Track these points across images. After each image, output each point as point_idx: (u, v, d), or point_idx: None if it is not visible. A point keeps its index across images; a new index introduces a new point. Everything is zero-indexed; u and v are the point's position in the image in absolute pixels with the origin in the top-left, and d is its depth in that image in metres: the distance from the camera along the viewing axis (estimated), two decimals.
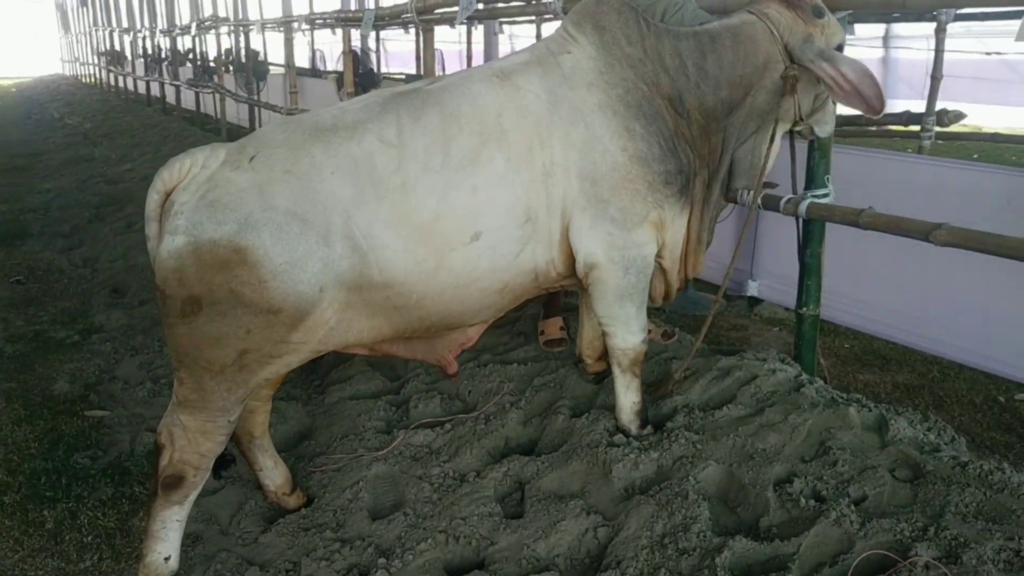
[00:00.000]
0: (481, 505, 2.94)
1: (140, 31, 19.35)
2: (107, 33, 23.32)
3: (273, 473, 3.18)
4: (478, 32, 10.50)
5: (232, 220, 2.46)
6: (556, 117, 2.83)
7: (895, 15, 9.15)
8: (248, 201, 2.50)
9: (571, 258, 2.96)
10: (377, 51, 12.48)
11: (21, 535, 3.16)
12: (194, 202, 2.49)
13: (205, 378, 2.56)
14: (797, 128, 3.18)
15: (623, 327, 3.10)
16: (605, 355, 3.60)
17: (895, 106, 12.00)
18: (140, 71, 19.60)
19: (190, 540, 3.04)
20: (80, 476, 3.55)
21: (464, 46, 12.18)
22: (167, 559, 2.69)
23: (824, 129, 3.27)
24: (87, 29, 27.68)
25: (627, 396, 3.18)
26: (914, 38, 12.19)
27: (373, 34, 12.86)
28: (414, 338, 2.99)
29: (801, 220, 3.45)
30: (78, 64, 31.65)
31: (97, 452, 3.77)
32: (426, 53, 6.05)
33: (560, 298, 4.24)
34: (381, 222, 2.62)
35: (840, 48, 3.09)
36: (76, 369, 4.68)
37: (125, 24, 21.48)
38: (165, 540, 2.68)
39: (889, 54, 13.14)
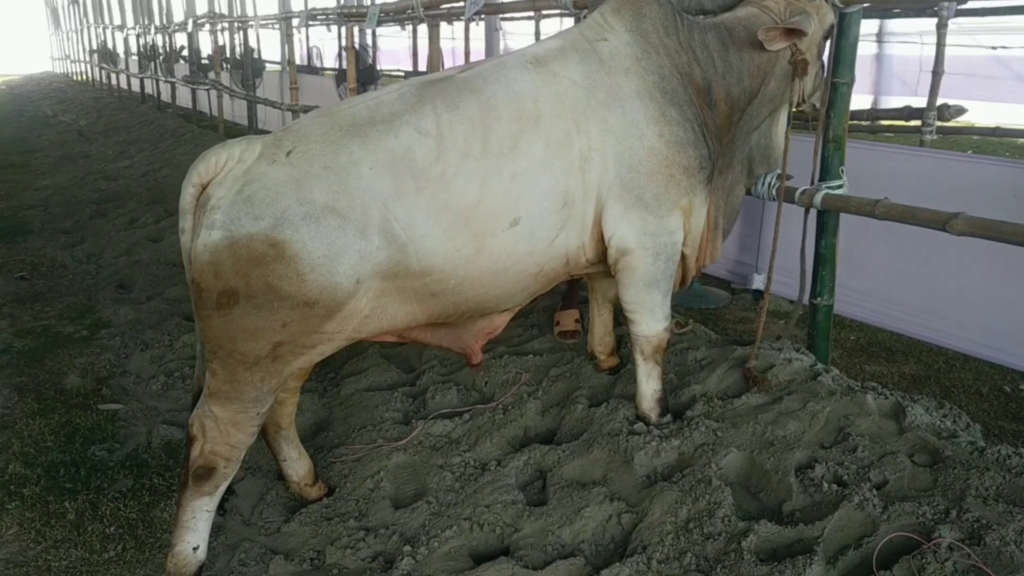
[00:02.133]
0: (504, 493, 2.97)
1: (133, 28, 19.27)
2: (99, 30, 23.21)
3: (297, 464, 3.20)
4: (478, 29, 10.50)
5: (269, 215, 2.47)
6: (593, 103, 2.84)
7: (896, 11, 9.19)
8: (286, 196, 2.50)
9: (601, 244, 2.99)
10: (373, 48, 12.47)
11: (43, 526, 3.17)
12: (231, 197, 2.49)
13: (239, 370, 2.56)
14: (801, 108, 3.28)
15: (648, 314, 3.12)
16: (617, 350, 3.67)
17: (888, 102, 12.13)
18: (133, 68, 19.52)
19: (212, 530, 3.05)
20: (98, 468, 3.56)
21: (460, 43, 12.19)
22: (195, 549, 2.70)
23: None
24: (78, 26, 27.55)
25: (648, 384, 3.20)
26: (908, 34, 12.26)
27: (369, 31, 12.84)
28: (441, 326, 3.02)
29: (815, 211, 3.48)
30: (69, 62, 31.51)
31: (114, 445, 3.78)
32: (432, 49, 6.06)
33: (577, 291, 4.27)
34: (421, 212, 2.62)
35: (831, 31, 3.25)
36: (87, 364, 4.68)
37: (117, 21, 21.40)
38: (194, 530, 2.69)
39: (883, 50, 13.20)
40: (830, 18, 3.20)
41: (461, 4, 5.55)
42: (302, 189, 2.52)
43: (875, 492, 2.61)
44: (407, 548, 2.81)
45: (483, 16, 7.83)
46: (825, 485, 2.69)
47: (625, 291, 3.10)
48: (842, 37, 3.20)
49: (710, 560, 2.52)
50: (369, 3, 6.93)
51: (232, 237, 2.46)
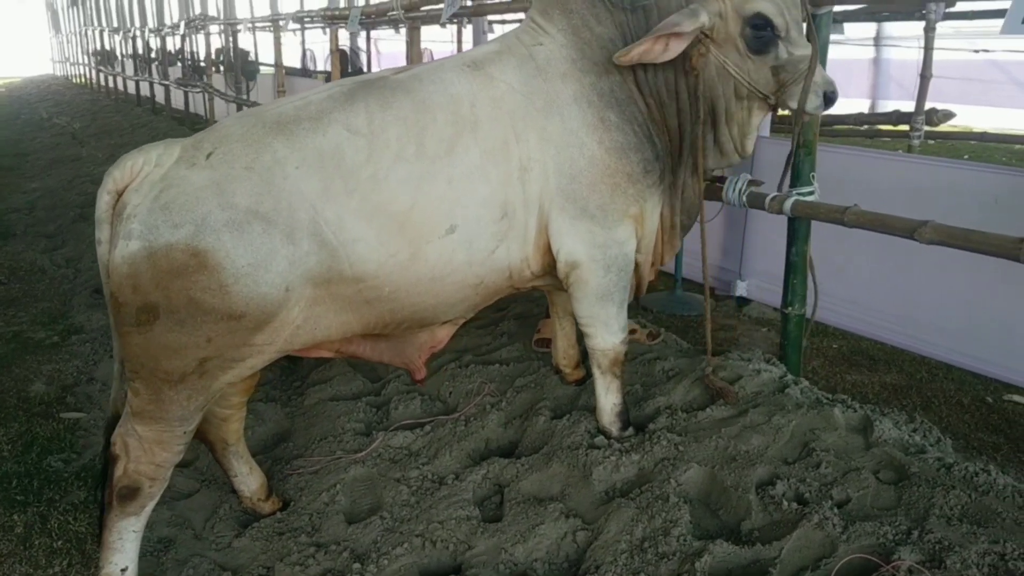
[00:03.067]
0: (459, 508, 2.89)
1: (130, 31, 19.26)
2: (97, 33, 23.21)
3: (248, 479, 3.10)
4: (467, 31, 10.43)
5: (189, 222, 2.33)
6: (532, 110, 2.74)
7: (884, 14, 9.12)
8: (206, 201, 2.36)
9: (546, 257, 2.88)
10: (368, 51, 12.41)
11: None
12: (148, 204, 2.36)
13: (163, 388, 2.44)
14: (770, 102, 2.89)
15: (603, 327, 3.03)
16: (583, 362, 3.56)
17: (885, 106, 12.05)
18: (130, 71, 19.50)
19: (163, 545, 2.98)
20: (52, 479, 3.47)
21: (455, 45, 12.12)
22: (124, 570, 2.60)
23: (810, 102, 2.86)
24: (78, 29, 27.57)
25: (607, 397, 3.11)
26: (905, 38, 12.18)
27: (364, 34, 12.79)
28: (381, 339, 2.91)
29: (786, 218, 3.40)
30: (68, 64, 31.55)
31: (71, 455, 3.69)
32: (412, 51, 5.98)
33: None
34: (352, 215, 2.51)
35: (756, 17, 2.79)
36: (54, 370, 4.60)
37: (115, 24, 21.39)
38: (122, 551, 2.59)
39: (880, 54, 13.12)
40: (751, 7, 2.78)
41: (442, 6, 5.48)
42: (224, 193, 2.39)
43: (836, 511, 2.52)
44: (356, 566, 2.72)
45: (470, 19, 7.76)
46: (785, 503, 2.60)
47: (578, 305, 3.00)
48: (811, 41, 3.11)
49: None
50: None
51: (150, 247, 2.32)
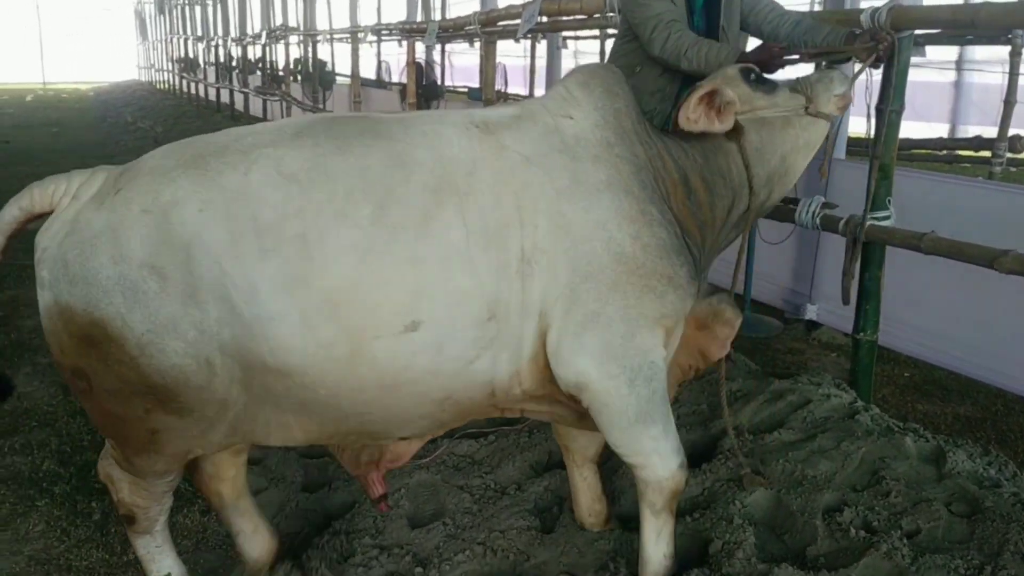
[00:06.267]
0: (520, 519, 2.91)
1: (213, 39, 19.88)
2: (182, 41, 24.00)
3: (252, 540, 2.73)
4: (541, 47, 10.51)
5: (83, 279, 2.01)
6: (549, 191, 2.23)
7: (968, 37, 8.91)
8: (100, 251, 2.01)
9: (543, 373, 2.30)
10: (443, 64, 12.59)
11: (69, 525, 3.22)
12: (53, 250, 2.06)
13: (126, 450, 2.25)
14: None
15: (652, 455, 2.38)
16: (611, 516, 2.93)
17: (966, 132, 11.76)
18: (211, 78, 20.12)
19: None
20: None
21: (528, 60, 12.23)
22: (169, 575, 2.59)
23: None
24: (163, 36, 28.55)
25: (657, 546, 2.46)
26: (989, 62, 11.88)
27: (439, 47, 13.00)
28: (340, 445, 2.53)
29: (860, 243, 3.36)
30: (153, 70, 32.66)
31: None
32: (488, 65, 6.07)
33: None
34: (267, 282, 2.02)
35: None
36: None
37: (199, 32, 22.11)
38: (155, 561, 2.56)
39: (962, 78, 12.82)
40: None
41: (519, 22, 5.55)
42: (118, 241, 2.01)
43: (905, 541, 2.48)
44: (419, 570, 2.77)
45: (545, 34, 7.82)
46: (853, 530, 2.57)
47: (609, 434, 2.38)
48: (891, 64, 3.08)
49: None
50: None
51: (58, 305, 2.06)
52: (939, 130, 11.66)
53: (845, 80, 2.67)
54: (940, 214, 4.20)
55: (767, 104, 2.60)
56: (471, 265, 2.12)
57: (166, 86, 28.49)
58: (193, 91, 22.39)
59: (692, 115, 2.50)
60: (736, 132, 2.56)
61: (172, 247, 2.00)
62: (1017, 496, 2.64)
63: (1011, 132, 6.07)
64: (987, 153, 6.08)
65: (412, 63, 7.62)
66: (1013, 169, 6.83)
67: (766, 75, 2.71)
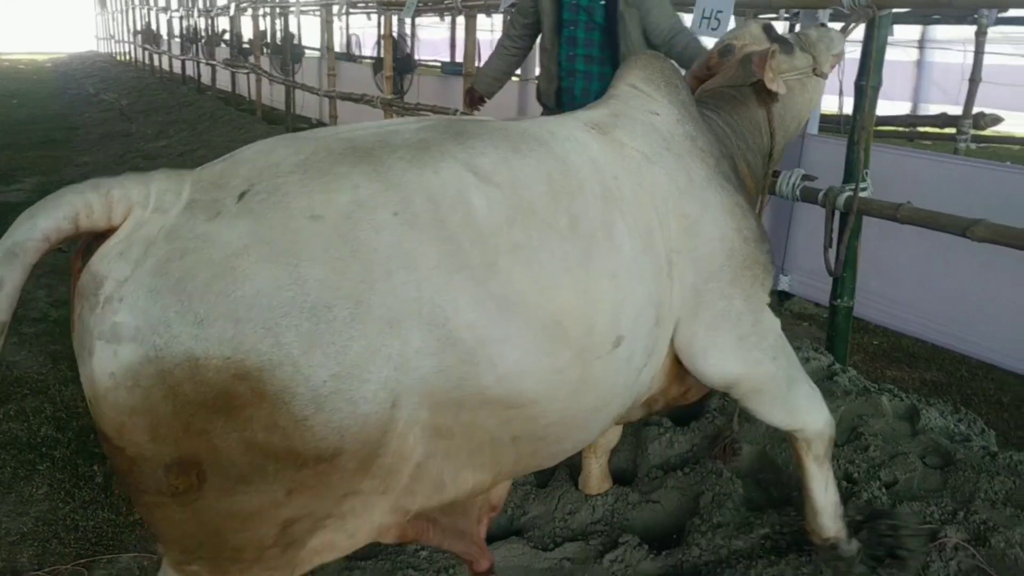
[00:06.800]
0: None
1: (176, 10, 19.58)
2: (143, 11, 23.59)
3: None
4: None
5: (223, 315, 1.40)
6: (673, 190, 2.11)
7: (935, 17, 9.13)
8: (249, 275, 1.42)
9: (668, 376, 2.21)
10: (412, 38, 12.58)
11: (72, 487, 3.28)
12: (147, 280, 1.41)
13: (232, 572, 1.61)
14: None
15: (808, 412, 2.39)
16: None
17: (927, 110, 12.03)
18: (176, 50, 19.85)
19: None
20: None
21: (495, 35, 12.28)
22: None
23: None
24: (123, 6, 28.00)
25: (828, 494, 2.43)
26: (951, 42, 12.15)
27: (408, 20, 12.97)
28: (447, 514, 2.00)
29: (852, 214, 3.50)
30: (113, 42, 32.03)
31: None
32: (468, 40, 6.12)
33: None
34: (493, 300, 1.65)
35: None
36: None
37: (162, 3, 21.76)
38: None
39: (924, 57, 13.09)
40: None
41: None
42: (279, 259, 1.45)
43: (884, 490, 2.65)
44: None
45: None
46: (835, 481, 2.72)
47: (769, 415, 2.37)
48: (871, 40, 3.22)
49: (716, 547, 2.57)
50: None
51: (160, 359, 1.39)
52: (901, 108, 11.92)
53: (842, 39, 2.65)
54: (910, 188, 4.37)
55: (788, 67, 2.57)
56: (642, 272, 1.97)
57: (127, 58, 27.99)
58: (156, 63, 22.05)
59: (771, 75, 2.45)
60: (772, 97, 2.50)
61: (364, 261, 1.52)
62: (986, 449, 2.82)
63: (975, 110, 6.28)
64: (951, 130, 6.28)
65: (389, 36, 7.63)
66: (975, 146, 7.05)
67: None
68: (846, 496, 2.65)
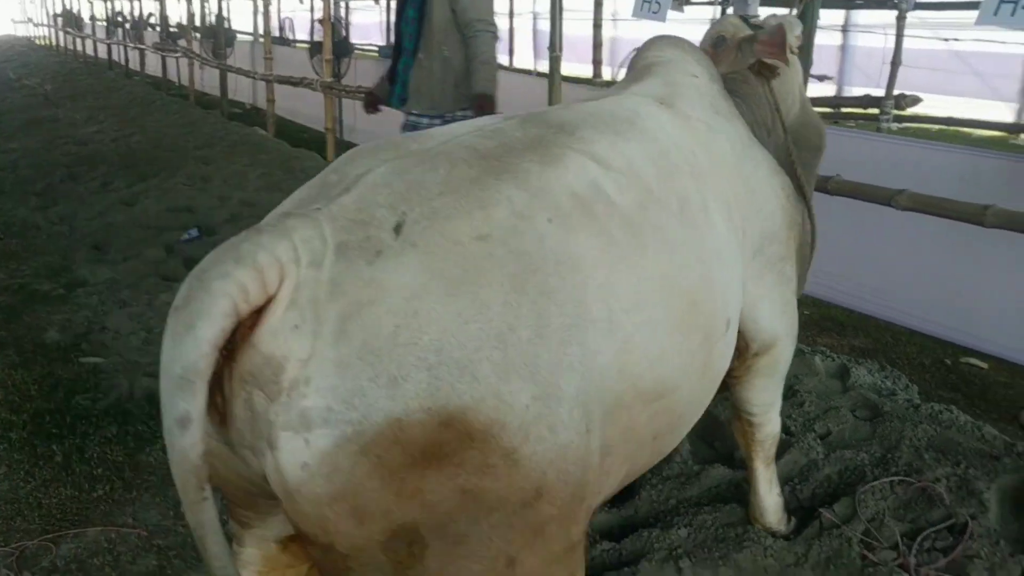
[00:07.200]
0: None
1: None
2: None
3: None
4: None
5: (417, 367, 1.26)
6: (734, 156, 2.08)
7: (858, 2, 9.47)
8: (436, 316, 1.30)
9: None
10: (346, 22, 12.52)
11: (32, 467, 3.29)
12: (330, 353, 1.25)
13: None
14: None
15: (774, 408, 2.48)
16: None
17: (850, 92, 12.45)
18: (100, 34, 19.34)
19: None
20: (83, 416, 3.68)
21: None
22: None
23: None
24: None
25: (771, 494, 2.56)
26: (872, 26, 12.58)
27: (343, 4, 12.90)
28: None
29: None
30: (31, 25, 30.98)
31: (97, 395, 3.89)
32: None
33: None
34: (646, 283, 1.60)
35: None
36: (65, 320, 4.77)
37: None
38: None
39: (847, 41, 13.52)
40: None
41: None
42: (458, 291, 1.33)
43: (819, 441, 2.85)
44: None
45: None
46: None
47: (763, 390, 2.36)
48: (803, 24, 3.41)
49: (665, 498, 2.75)
50: None
51: (361, 435, 1.25)
52: (826, 91, 12.32)
53: (799, 23, 2.68)
54: (838, 164, 4.61)
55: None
56: (732, 251, 1.92)
57: (47, 42, 27.13)
58: (79, 47, 21.45)
59: (790, 47, 2.41)
60: (772, 73, 2.46)
61: (536, 273, 1.42)
62: (910, 402, 3.05)
63: (896, 92, 6.59)
64: (874, 111, 6.57)
65: (328, 19, 7.63)
66: (896, 126, 7.38)
67: None
68: (785, 446, 2.84)
